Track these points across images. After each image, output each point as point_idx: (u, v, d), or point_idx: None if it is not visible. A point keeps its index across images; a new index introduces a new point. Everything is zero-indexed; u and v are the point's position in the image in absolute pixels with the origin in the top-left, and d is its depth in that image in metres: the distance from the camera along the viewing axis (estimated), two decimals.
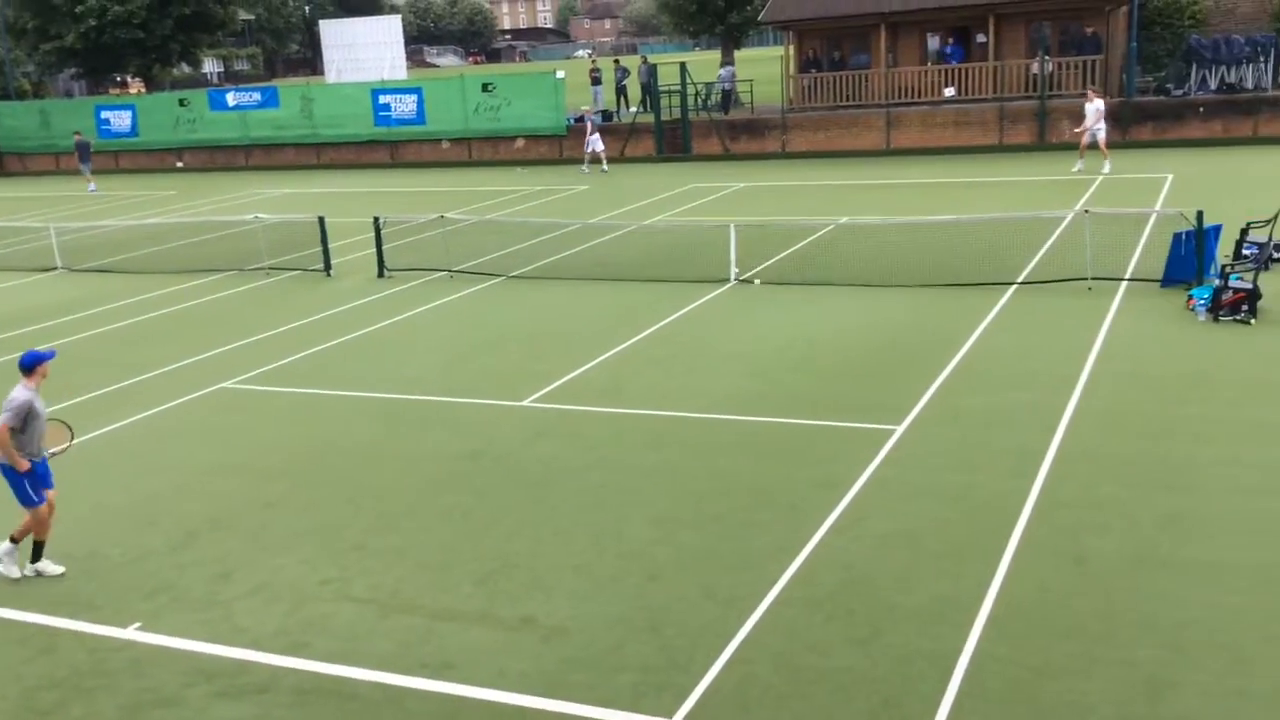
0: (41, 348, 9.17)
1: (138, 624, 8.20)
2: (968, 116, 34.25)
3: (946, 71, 35.95)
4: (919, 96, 35.91)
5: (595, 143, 34.71)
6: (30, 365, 8.90)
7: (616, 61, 42.23)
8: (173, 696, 7.24)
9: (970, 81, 35.50)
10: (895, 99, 35.56)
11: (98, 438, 12.45)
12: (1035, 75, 33.91)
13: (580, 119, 34.90)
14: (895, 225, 21.11)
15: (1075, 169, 27.78)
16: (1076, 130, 28.86)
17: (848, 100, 36.66)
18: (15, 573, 9.01)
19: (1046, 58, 33.42)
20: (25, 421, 8.71)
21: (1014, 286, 16.54)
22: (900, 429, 11.09)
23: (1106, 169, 27.31)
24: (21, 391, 8.77)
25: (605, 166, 34.78)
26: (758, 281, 17.90)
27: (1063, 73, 34.21)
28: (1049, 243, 19.24)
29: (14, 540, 9.04)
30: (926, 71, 36.37)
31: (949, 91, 35.57)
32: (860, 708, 6.68)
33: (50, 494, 9.02)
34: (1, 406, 8.75)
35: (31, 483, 8.82)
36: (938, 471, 10.04)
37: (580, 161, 35.33)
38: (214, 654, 7.73)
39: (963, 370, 12.88)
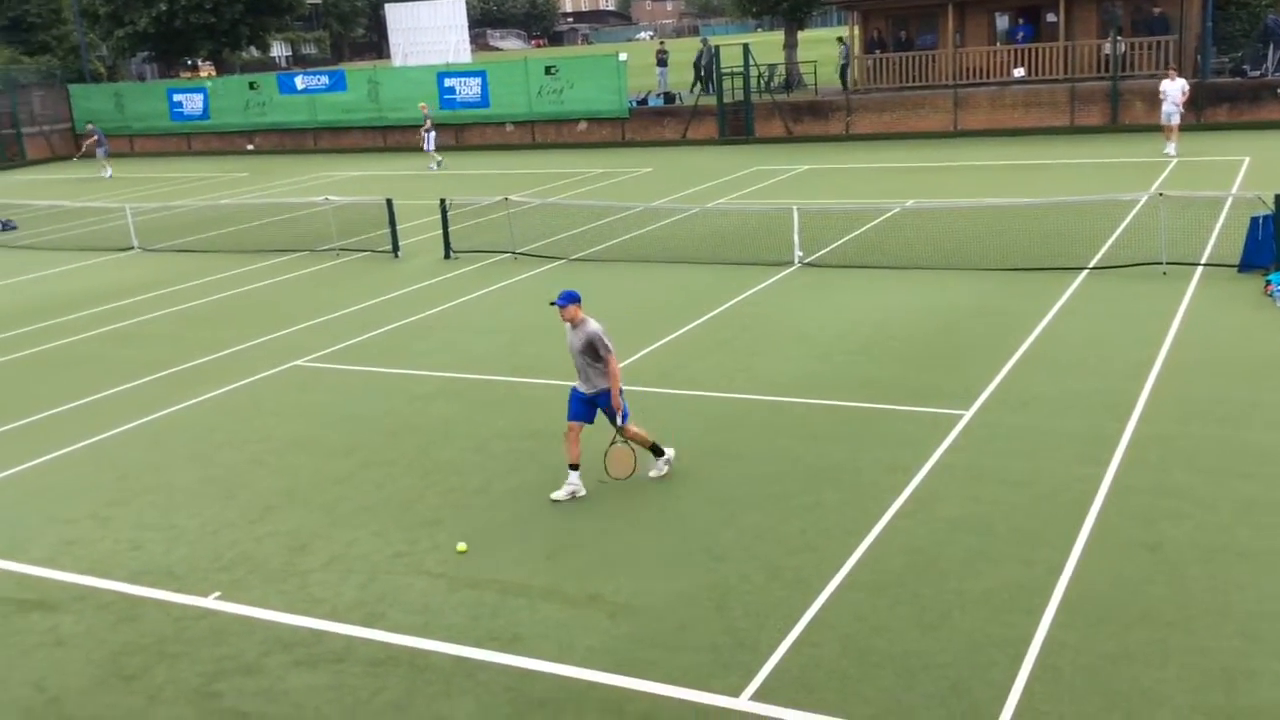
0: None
1: (217, 593, 8.44)
2: (1038, 97, 33.69)
3: (1016, 51, 35.35)
4: (987, 77, 35.38)
5: (430, 140, 35.12)
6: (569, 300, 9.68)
7: (704, 42, 42.14)
8: (252, 664, 7.45)
9: (1040, 62, 34.88)
10: (963, 80, 35.08)
11: (176, 413, 12.77)
12: (1107, 56, 33.24)
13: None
14: (963, 208, 20.86)
15: (1166, 151, 27.13)
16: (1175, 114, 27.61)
17: (914, 81, 36.22)
18: (665, 469, 10.03)
19: (1119, 38, 32.73)
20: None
21: (1086, 271, 16.28)
22: (968, 414, 11.00)
23: (1170, 150, 26.76)
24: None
25: (434, 165, 35.10)
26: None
27: (1135, 53, 33.50)
28: (1122, 226, 18.90)
29: (657, 451, 9.99)
30: (995, 51, 35.81)
31: (1018, 72, 34.99)
32: (928, 692, 6.67)
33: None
34: (591, 344, 9.50)
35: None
36: (1007, 457, 9.96)
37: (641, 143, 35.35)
38: (291, 624, 7.93)
39: (1032, 356, 12.73)
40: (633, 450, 9.81)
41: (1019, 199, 20.96)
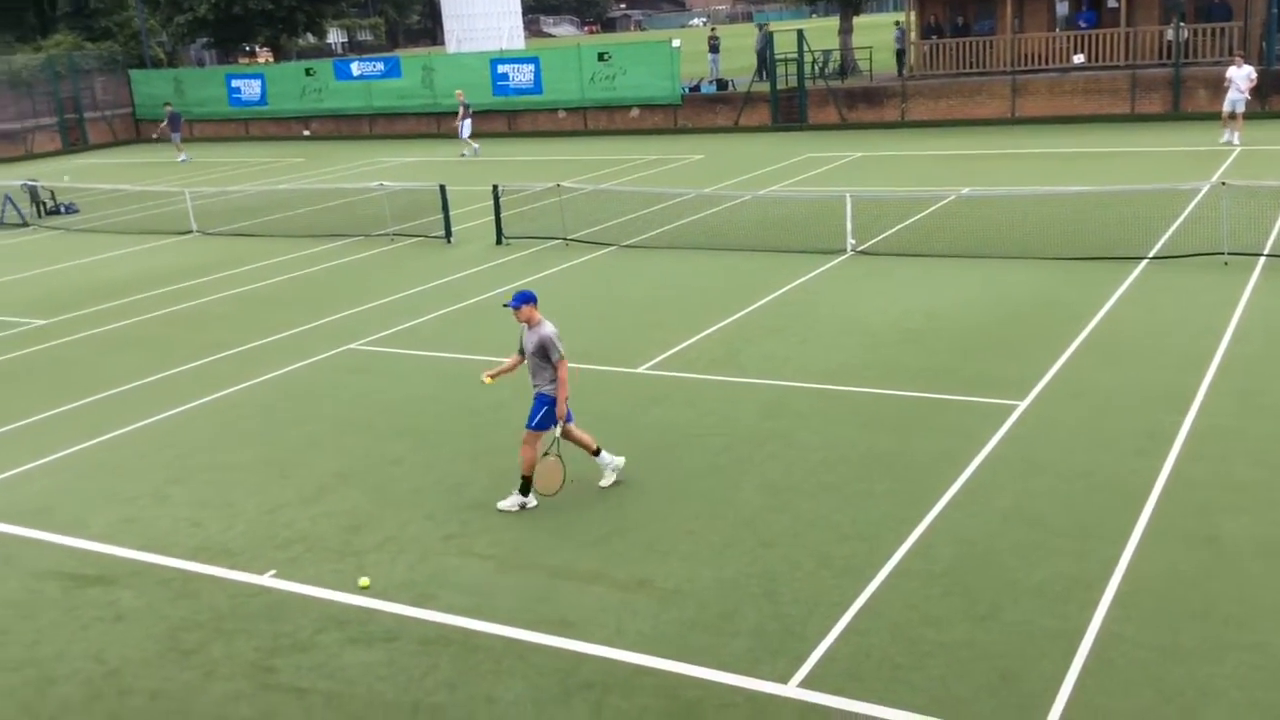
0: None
1: (273, 571, 8.58)
2: (1098, 84, 33.11)
3: (1076, 37, 34.78)
4: (1046, 63, 34.85)
5: (465, 128, 35.31)
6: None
7: (760, 27, 41.83)
8: (307, 641, 7.57)
9: (1101, 48, 34.29)
10: (1021, 66, 34.57)
11: (234, 393, 12.98)
12: (1169, 42, 32.59)
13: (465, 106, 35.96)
14: (1020, 196, 20.59)
15: (1224, 140, 26.53)
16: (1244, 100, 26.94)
17: (971, 67, 35.76)
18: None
19: (1181, 24, 32.08)
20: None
21: (1145, 261, 16.02)
22: (1023, 405, 10.88)
23: (1235, 139, 26.17)
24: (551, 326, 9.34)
25: (466, 150, 35.41)
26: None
27: (1198, 40, 32.80)
28: (1183, 216, 18.56)
29: (595, 452, 9.66)
30: (1055, 37, 35.25)
31: (1078, 58, 34.41)
32: (979, 683, 6.62)
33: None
34: (544, 347, 9.17)
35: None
36: (1063, 449, 9.84)
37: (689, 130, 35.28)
38: (345, 602, 8.05)
39: (1090, 346, 12.56)
40: (562, 464, 9.33)
41: (1077, 187, 20.64)
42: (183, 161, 39.23)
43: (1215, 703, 6.29)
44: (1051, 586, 7.59)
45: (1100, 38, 34.36)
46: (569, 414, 9.50)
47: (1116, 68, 33.57)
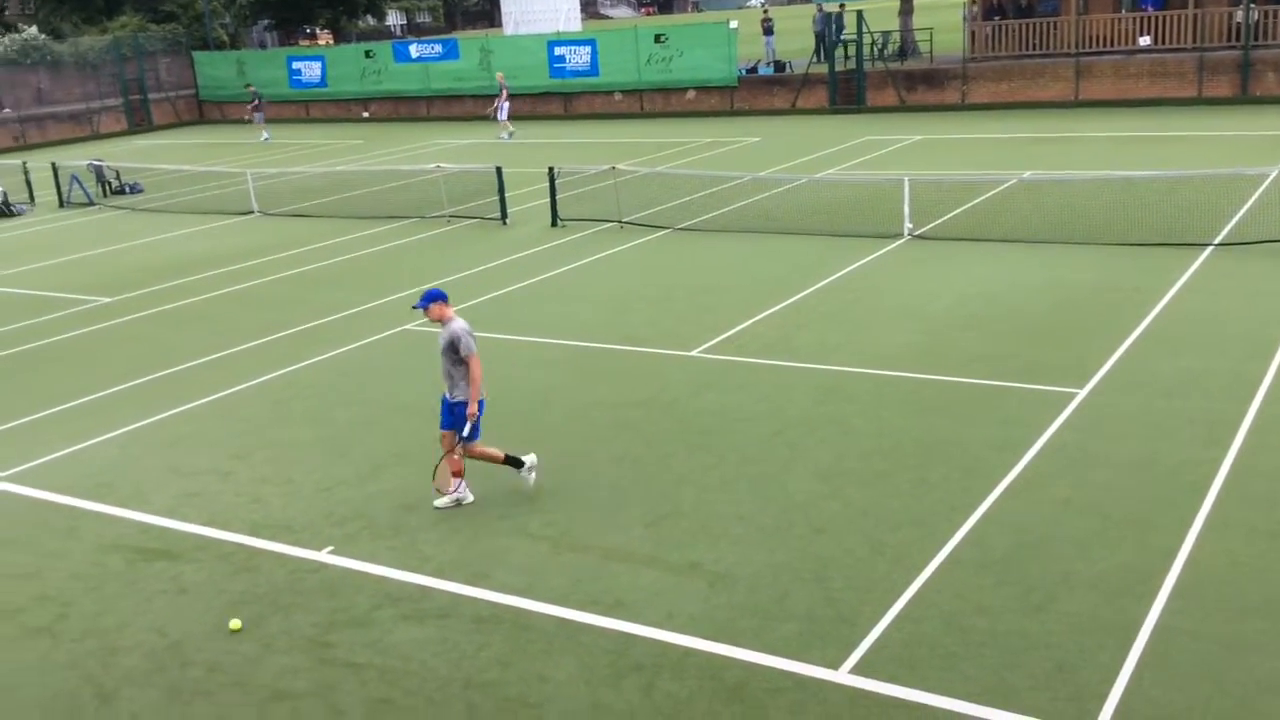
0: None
1: (330, 548, 8.71)
2: (1164, 67, 32.41)
3: (1142, 19, 34.04)
4: (1111, 45, 34.16)
5: (503, 110, 35.55)
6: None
7: (820, 8, 41.52)
8: (362, 617, 7.69)
9: (1168, 30, 33.52)
10: (1086, 48, 33.92)
11: (293, 372, 13.17)
12: (1239, 24, 31.79)
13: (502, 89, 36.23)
14: (1082, 181, 20.24)
15: None
16: None
17: (1034, 49, 35.15)
18: (532, 475, 9.31)
19: (1252, 5, 31.27)
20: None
21: (1211, 247, 15.69)
22: (1082, 393, 10.73)
23: None
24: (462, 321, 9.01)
25: (506, 134, 35.71)
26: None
27: (1268, 21, 31.95)
28: (1250, 201, 18.14)
29: (515, 462, 9.30)
30: (1120, 19, 34.53)
31: (1144, 40, 33.69)
32: (1033, 673, 6.56)
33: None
34: (452, 343, 8.84)
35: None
36: (1122, 438, 9.68)
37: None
38: (400, 579, 8.16)
39: (1152, 334, 12.34)
40: (462, 464, 9.17)
41: (1141, 172, 20.25)
42: (265, 140, 39.92)
43: (1277, 697, 6.18)
44: (1109, 577, 7.49)
45: (1167, 19, 33.59)
46: (477, 430, 8.95)
47: (1183, 50, 32.83)
